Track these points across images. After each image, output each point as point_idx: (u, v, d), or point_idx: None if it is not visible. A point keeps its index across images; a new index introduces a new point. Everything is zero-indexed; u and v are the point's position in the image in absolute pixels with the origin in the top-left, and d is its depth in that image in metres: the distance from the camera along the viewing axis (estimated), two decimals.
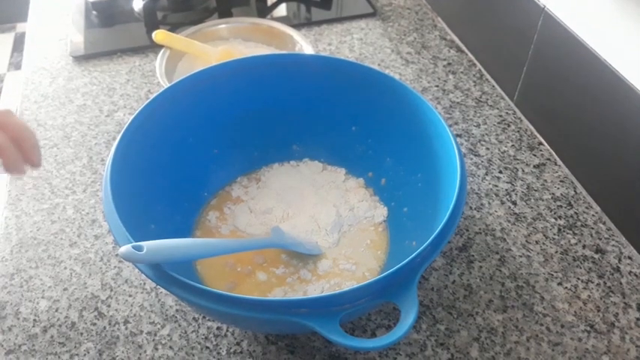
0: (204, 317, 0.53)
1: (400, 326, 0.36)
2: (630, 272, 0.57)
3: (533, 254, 0.58)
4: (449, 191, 0.46)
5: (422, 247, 0.39)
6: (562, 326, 0.52)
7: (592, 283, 0.56)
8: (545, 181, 0.66)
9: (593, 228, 0.61)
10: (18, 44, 2.32)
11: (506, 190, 0.65)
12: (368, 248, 0.56)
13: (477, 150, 0.70)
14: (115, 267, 0.57)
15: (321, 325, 0.36)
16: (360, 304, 0.38)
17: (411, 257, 0.39)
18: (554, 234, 0.60)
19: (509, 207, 0.63)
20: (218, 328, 0.52)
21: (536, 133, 0.72)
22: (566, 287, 0.55)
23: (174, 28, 0.87)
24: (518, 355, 0.50)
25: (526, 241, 0.60)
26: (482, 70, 0.82)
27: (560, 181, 0.66)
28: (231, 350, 0.50)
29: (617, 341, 0.51)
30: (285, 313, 0.37)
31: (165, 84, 0.69)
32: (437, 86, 0.79)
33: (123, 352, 0.50)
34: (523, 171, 0.67)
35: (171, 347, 0.51)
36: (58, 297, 0.55)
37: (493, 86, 0.79)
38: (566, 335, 0.52)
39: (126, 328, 0.52)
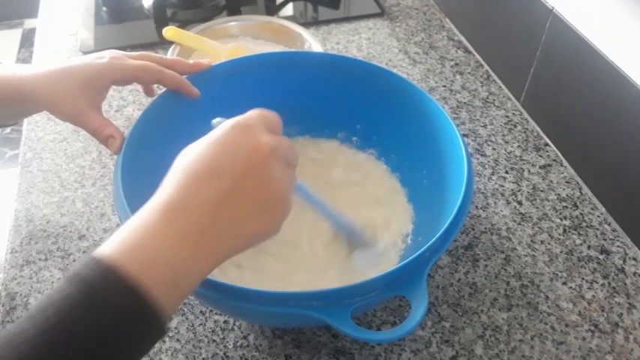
0: (211, 311, 0.53)
1: (411, 318, 0.36)
2: (635, 273, 0.57)
3: (539, 254, 0.59)
4: (456, 188, 0.46)
5: (431, 242, 0.40)
6: (566, 325, 0.53)
7: (597, 283, 0.56)
8: (551, 181, 0.66)
9: (598, 229, 0.61)
10: (25, 40, 2.33)
11: (512, 190, 0.65)
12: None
13: (483, 150, 0.70)
14: None
15: (332, 317, 0.37)
16: (371, 297, 0.38)
17: (420, 251, 0.39)
18: (560, 234, 0.61)
19: (515, 207, 0.63)
20: (225, 322, 0.53)
21: (542, 134, 0.72)
22: (570, 287, 0.56)
23: (183, 25, 0.87)
24: (522, 354, 0.51)
25: (531, 240, 0.60)
26: (490, 71, 0.82)
27: (566, 181, 0.66)
28: (238, 344, 0.51)
29: (621, 341, 0.52)
30: (296, 306, 0.38)
31: None
32: (444, 86, 0.79)
33: None
34: (529, 171, 0.67)
35: (178, 340, 0.51)
36: None
37: (500, 87, 0.79)
38: (571, 334, 0.52)
39: None
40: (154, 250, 0.32)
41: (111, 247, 0.32)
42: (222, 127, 0.38)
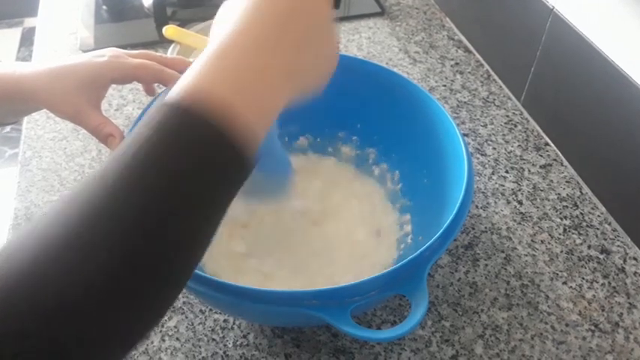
0: (211, 310, 0.53)
1: (411, 318, 0.36)
2: (635, 273, 0.57)
3: (539, 253, 0.59)
4: (456, 187, 0.46)
5: (431, 241, 0.40)
6: (566, 325, 0.53)
7: (597, 283, 0.56)
8: (551, 181, 0.66)
9: (598, 228, 0.61)
10: (25, 39, 2.33)
11: (513, 189, 0.65)
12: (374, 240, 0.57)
13: (483, 149, 0.70)
14: None
15: (332, 316, 0.37)
16: (370, 296, 0.38)
17: (420, 250, 0.39)
18: (560, 234, 0.61)
19: (515, 206, 0.63)
20: (225, 321, 0.52)
21: (542, 133, 0.72)
22: (571, 287, 0.56)
23: (183, 24, 0.87)
24: (522, 353, 0.50)
25: (531, 240, 0.60)
26: (490, 70, 0.82)
27: (566, 181, 0.66)
28: (238, 343, 0.51)
29: (622, 341, 0.52)
30: (296, 305, 0.38)
31: None
32: (444, 86, 0.79)
33: None
34: (529, 171, 0.67)
35: (177, 339, 0.51)
36: None
37: (500, 87, 0.79)
38: (571, 334, 0.52)
39: None
40: (238, 71, 0.30)
41: (197, 78, 0.30)
42: None
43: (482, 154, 0.69)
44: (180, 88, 0.29)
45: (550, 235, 0.60)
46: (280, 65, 0.32)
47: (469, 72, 0.82)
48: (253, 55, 0.31)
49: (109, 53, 0.51)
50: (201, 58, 0.31)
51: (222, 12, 0.35)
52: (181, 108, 0.28)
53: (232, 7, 0.34)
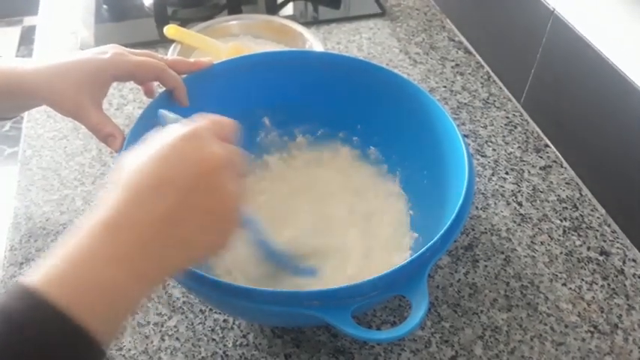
0: (211, 309, 0.53)
1: (412, 318, 0.36)
2: (634, 275, 0.57)
3: (538, 255, 0.59)
4: (456, 189, 0.46)
5: (432, 242, 0.40)
6: (566, 326, 0.53)
7: (596, 284, 0.56)
8: (551, 182, 0.66)
9: (598, 230, 0.61)
10: (25, 38, 2.33)
11: (512, 191, 0.65)
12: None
13: (483, 151, 0.70)
14: None
15: (333, 317, 0.37)
16: (371, 297, 0.38)
17: (421, 251, 0.39)
18: (560, 235, 0.61)
19: (515, 208, 0.63)
20: (224, 321, 0.52)
21: (542, 135, 0.73)
22: (570, 288, 0.56)
23: (183, 23, 0.87)
24: (522, 354, 0.51)
25: (531, 241, 0.60)
26: (490, 72, 0.82)
27: (566, 183, 0.66)
28: (237, 343, 0.51)
29: (621, 342, 0.52)
30: (297, 306, 0.38)
31: None
32: (445, 87, 0.79)
33: (130, 342, 0.51)
34: (529, 172, 0.67)
35: (177, 338, 0.51)
36: None
37: (500, 88, 0.79)
38: (570, 335, 0.52)
39: (133, 319, 0.52)
40: (85, 275, 0.29)
41: (40, 273, 0.29)
42: (167, 136, 0.34)
43: (482, 156, 0.69)
44: (36, 277, 0.29)
45: (550, 236, 0.60)
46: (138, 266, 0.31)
47: (469, 73, 0.82)
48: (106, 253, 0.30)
49: (111, 50, 0.51)
50: (58, 250, 0.30)
51: (116, 174, 0.33)
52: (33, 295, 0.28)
53: (122, 177, 0.33)
